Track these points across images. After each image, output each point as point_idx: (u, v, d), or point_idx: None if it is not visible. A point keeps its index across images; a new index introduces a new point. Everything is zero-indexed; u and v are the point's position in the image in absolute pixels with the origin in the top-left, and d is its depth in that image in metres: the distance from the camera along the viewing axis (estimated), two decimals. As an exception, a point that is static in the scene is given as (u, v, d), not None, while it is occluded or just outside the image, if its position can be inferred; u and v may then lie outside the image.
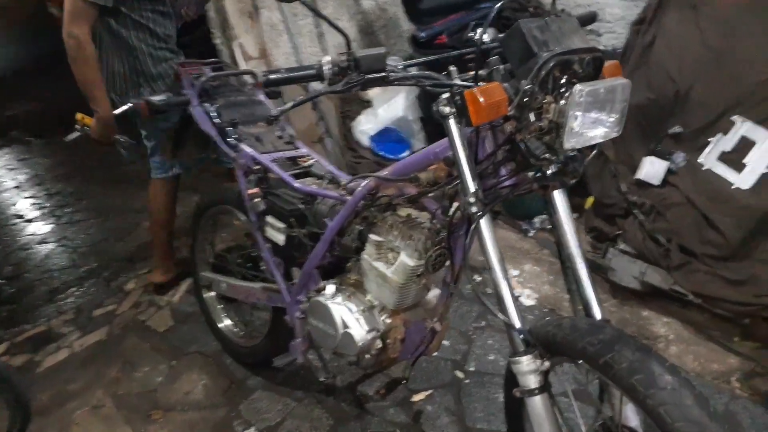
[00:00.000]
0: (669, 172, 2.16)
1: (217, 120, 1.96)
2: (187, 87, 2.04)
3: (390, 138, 3.25)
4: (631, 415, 1.21)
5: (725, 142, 2.06)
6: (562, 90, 1.13)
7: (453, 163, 1.33)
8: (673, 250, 1.99)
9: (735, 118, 2.05)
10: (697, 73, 2.20)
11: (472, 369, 2.07)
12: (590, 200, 2.49)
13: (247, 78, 2.23)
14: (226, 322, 2.33)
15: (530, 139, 1.13)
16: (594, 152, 1.22)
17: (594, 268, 2.36)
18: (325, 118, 3.03)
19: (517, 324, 1.20)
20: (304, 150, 1.98)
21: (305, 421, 1.97)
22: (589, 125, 1.13)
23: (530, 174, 1.23)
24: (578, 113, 1.10)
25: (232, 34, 3.63)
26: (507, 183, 1.27)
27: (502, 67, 1.20)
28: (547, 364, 1.18)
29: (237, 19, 3.55)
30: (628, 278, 2.13)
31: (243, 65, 3.70)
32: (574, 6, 3.40)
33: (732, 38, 2.14)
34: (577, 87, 1.08)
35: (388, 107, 3.16)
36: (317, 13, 1.18)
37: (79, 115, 2.36)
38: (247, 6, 3.62)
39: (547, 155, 1.13)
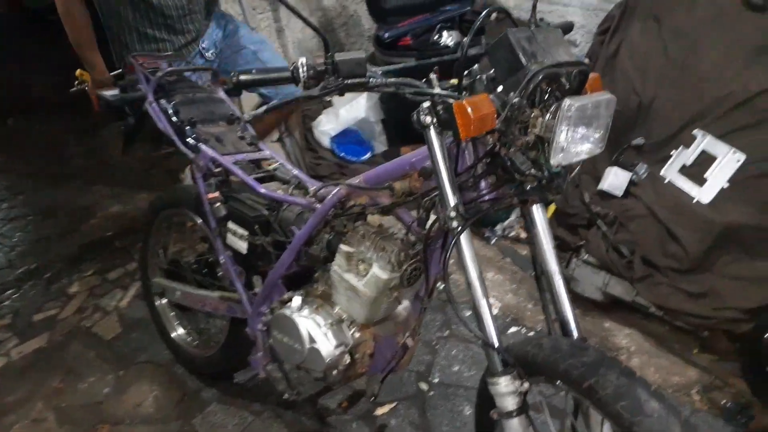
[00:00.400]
0: (632, 183, 2.19)
1: (174, 118, 1.85)
2: (141, 81, 1.92)
3: (351, 139, 3.19)
4: (608, 436, 1.20)
5: (686, 156, 2.09)
6: (549, 104, 1.10)
7: (430, 174, 1.29)
8: (636, 262, 2.01)
9: (696, 131, 2.09)
10: (660, 85, 2.23)
11: (436, 381, 2.04)
12: (552, 209, 2.50)
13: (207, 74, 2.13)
14: (179, 331, 2.22)
15: (515, 153, 1.09)
16: (577, 169, 1.19)
17: (538, 286, 2.38)
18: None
19: (496, 343, 1.17)
20: (267, 152, 1.90)
21: (263, 435, 1.89)
22: (576, 141, 1.10)
23: (511, 188, 1.21)
24: (566, 128, 1.07)
25: (187, 26, 3.48)
26: (487, 197, 1.23)
27: (485, 76, 1.16)
28: (526, 385, 1.15)
29: (193, 11, 3.41)
30: (591, 289, 2.14)
31: (198, 59, 3.56)
32: (537, 14, 3.42)
33: (694, 51, 2.18)
34: (567, 101, 1.05)
35: (350, 108, 3.09)
36: (296, 13, 1.11)
37: (78, 71, 2.28)
38: (204, -3, 3.48)
39: (532, 171, 1.10)
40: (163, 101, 1.88)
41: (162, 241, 2.24)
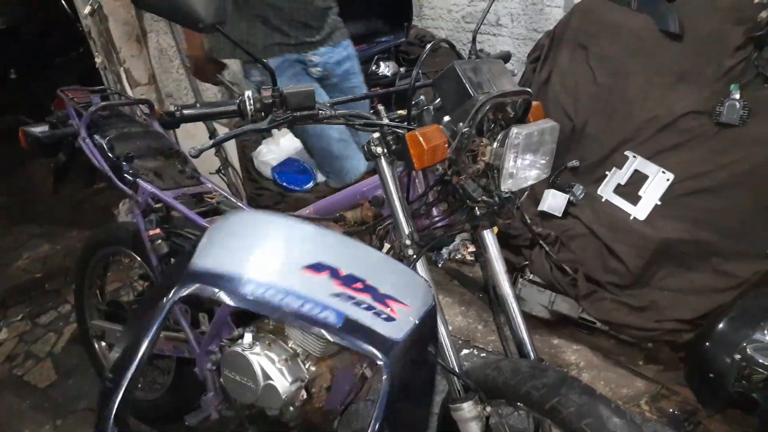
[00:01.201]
0: (570, 203, 2.27)
1: (109, 154, 1.78)
2: (72, 117, 1.84)
3: (293, 168, 3.15)
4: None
5: (620, 176, 2.19)
6: (496, 132, 1.13)
7: (382, 202, 1.29)
8: (580, 279, 2.07)
9: (627, 152, 2.19)
10: (591, 110, 2.33)
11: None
12: (494, 230, 2.54)
13: (142, 107, 2.06)
14: (120, 375, 2.10)
15: (467, 181, 1.11)
16: (526, 193, 1.22)
17: (491, 308, 2.42)
18: (224, 148, 2.88)
19: (456, 369, 1.17)
20: (209, 185, 1.85)
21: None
22: (524, 167, 1.13)
23: (462, 214, 1.23)
24: (514, 155, 1.10)
25: (117, 58, 3.39)
26: (440, 224, 1.25)
27: (431, 107, 1.18)
28: (488, 409, 1.16)
29: (123, 43, 3.33)
30: (538, 308, 2.19)
31: (130, 92, 3.46)
32: (467, 43, 3.53)
33: (620, 77, 2.30)
34: (514, 130, 1.08)
35: (291, 137, 3.05)
36: (240, 47, 1.09)
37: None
38: (135, 29, 3.40)
39: (483, 197, 1.12)
40: (96, 136, 1.81)
41: (98, 281, 2.13)
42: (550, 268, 2.14)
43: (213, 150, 2.87)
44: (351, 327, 0.80)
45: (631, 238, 2.05)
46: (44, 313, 2.83)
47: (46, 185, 4.20)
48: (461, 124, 1.06)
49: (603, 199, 2.20)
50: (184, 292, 0.98)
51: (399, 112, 1.24)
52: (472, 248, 2.76)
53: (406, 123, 1.15)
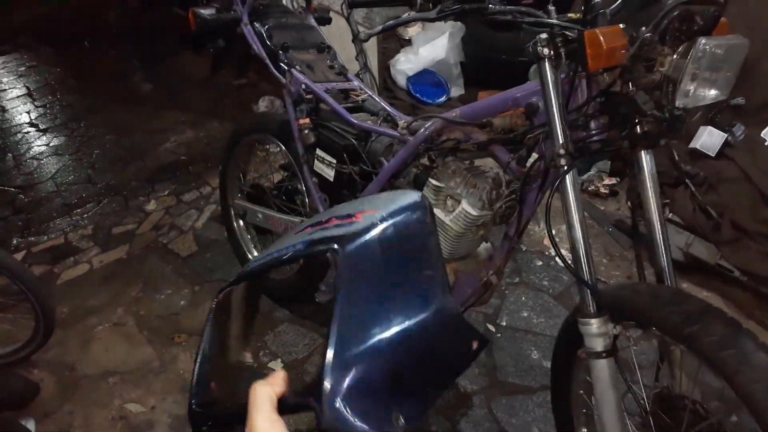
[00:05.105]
0: (726, 144, 2.09)
1: (267, 42, 1.86)
2: (237, 3, 1.92)
3: (427, 81, 3.13)
4: (691, 386, 1.19)
5: (791, 119, 1.98)
6: (679, 43, 1.05)
7: (536, 110, 1.26)
8: (725, 225, 1.94)
9: (806, 94, 1.97)
10: (769, 44, 2.09)
11: (504, 324, 2.05)
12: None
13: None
14: (255, 253, 2.29)
15: (638, 92, 1.05)
16: (699, 114, 1.14)
17: (632, 234, 2.32)
18: (365, 52, 2.90)
19: (591, 284, 1.16)
20: (356, 83, 1.89)
21: (333, 358, 1.96)
22: (703, 84, 1.05)
23: (622, 131, 1.17)
24: (696, 69, 1.02)
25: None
26: (596, 138, 1.20)
27: (608, 11, 1.11)
28: (618, 328, 1.15)
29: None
30: (672, 248, 2.08)
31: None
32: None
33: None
34: (701, 41, 0.99)
35: (430, 48, 3.03)
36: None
37: None
38: None
39: (654, 112, 1.06)
40: (257, 24, 1.89)
41: (242, 164, 2.28)
42: (693, 209, 2.02)
43: (354, 52, 2.91)
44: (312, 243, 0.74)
45: (792, 188, 1.88)
46: (188, 191, 3.10)
47: (194, 76, 4.51)
48: (644, 28, 1.00)
49: (766, 143, 2.01)
50: None
51: (569, 15, 1.18)
52: (608, 181, 2.68)
53: (578, 26, 1.10)
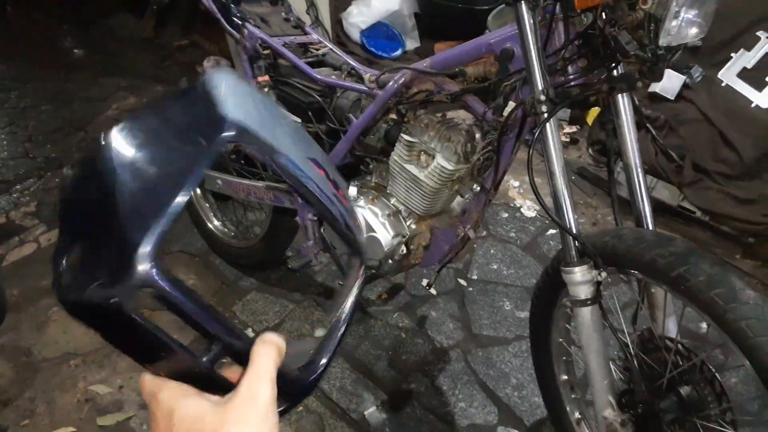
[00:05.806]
0: (685, 86, 2.11)
1: (217, -6, 1.74)
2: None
3: (381, 33, 3.04)
4: (672, 327, 1.21)
5: (747, 59, 2.00)
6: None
7: (512, 56, 1.21)
8: (686, 167, 1.98)
9: (760, 33, 1.99)
10: (723, -17, 2.10)
11: (475, 277, 2.05)
12: (594, 112, 2.43)
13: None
14: (215, 222, 2.20)
15: (621, 32, 1.02)
16: (678, 53, 1.12)
17: (595, 182, 2.35)
18: (316, 5, 2.76)
19: (575, 232, 1.14)
20: (315, 36, 1.80)
21: (305, 322, 1.92)
22: (687, 21, 1.03)
23: (601, 74, 1.15)
24: (678, 7, 0.99)
25: None
26: (575, 83, 1.17)
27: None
28: (603, 275, 1.14)
29: None
30: (634, 192, 2.11)
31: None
32: None
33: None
34: (685, -24, 0.97)
35: (383, -1, 2.93)
36: None
37: None
38: None
39: (637, 52, 1.03)
40: (205, -25, 1.76)
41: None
42: (654, 153, 2.04)
43: (305, 6, 2.77)
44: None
45: (749, 127, 1.91)
46: (137, 160, 2.94)
47: (132, 38, 4.25)
48: (627, -37, 0.96)
49: (723, 84, 2.04)
50: None
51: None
52: (568, 129, 2.68)
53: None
